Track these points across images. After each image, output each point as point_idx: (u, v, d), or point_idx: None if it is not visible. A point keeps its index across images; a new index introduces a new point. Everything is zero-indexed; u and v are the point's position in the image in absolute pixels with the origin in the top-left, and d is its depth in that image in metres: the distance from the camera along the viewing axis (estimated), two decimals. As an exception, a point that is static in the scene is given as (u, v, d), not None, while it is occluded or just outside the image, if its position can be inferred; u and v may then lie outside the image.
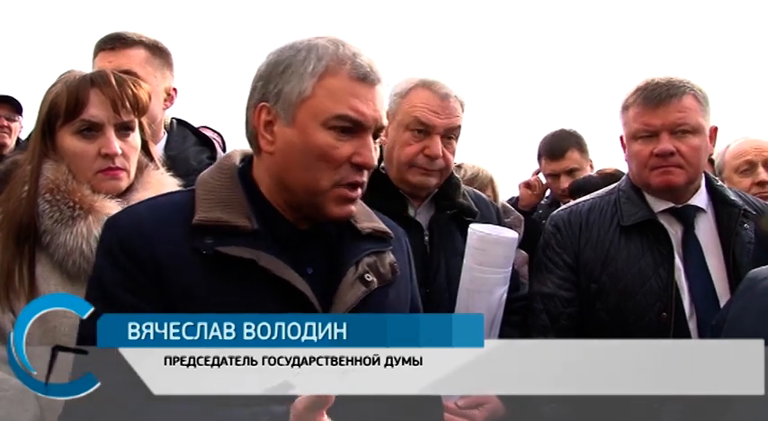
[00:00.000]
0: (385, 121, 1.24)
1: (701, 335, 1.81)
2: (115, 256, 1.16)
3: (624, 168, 3.11)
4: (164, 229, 1.17)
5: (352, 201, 1.24)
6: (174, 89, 2.18)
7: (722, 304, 1.82)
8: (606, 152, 3.63)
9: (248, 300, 1.14)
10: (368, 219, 1.34)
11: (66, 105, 1.47)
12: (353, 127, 1.19)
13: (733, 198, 1.99)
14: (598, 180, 3.13)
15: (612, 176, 3.08)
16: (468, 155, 3.00)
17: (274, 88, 1.19)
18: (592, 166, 3.54)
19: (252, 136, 1.25)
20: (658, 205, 1.97)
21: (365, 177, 1.24)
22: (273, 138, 1.21)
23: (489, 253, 1.80)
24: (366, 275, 1.25)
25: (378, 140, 1.25)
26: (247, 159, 1.31)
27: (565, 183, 3.40)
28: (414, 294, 1.47)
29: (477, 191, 2.31)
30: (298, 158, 1.19)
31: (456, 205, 1.99)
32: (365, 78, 1.19)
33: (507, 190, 3.51)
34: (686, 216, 1.96)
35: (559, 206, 3.47)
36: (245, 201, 1.22)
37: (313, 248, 1.26)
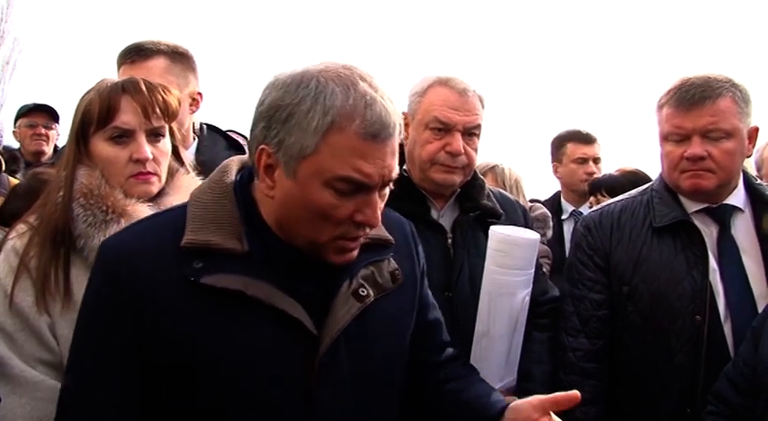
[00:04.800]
0: (395, 172, 1.14)
1: (736, 339, 1.77)
2: (105, 298, 1.15)
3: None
4: (153, 257, 1.13)
5: (352, 250, 1.18)
6: (200, 93, 2.17)
7: (759, 306, 1.78)
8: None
9: (238, 328, 1.13)
10: None
11: (98, 113, 1.50)
12: (357, 187, 1.10)
13: None
14: (619, 177, 3.15)
15: (634, 174, 3.11)
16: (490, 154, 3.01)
17: (276, 135, 1.10)
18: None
19: (255, 168, 1.17)
20: (692, 205, 1.93)
21: (367, 231, 1.18)
22: (273, 184, 1.14)
23: (510, 254, 1.78)
24: (360, 290, 1.21)
25: (386, 190, 1.17)
26: (246, 172, 1.24)
27: (593, 168, 3.55)
28: (422, 291, 1.42)
29: (504, 191, 2.29)
30: (298, 211, 1.13)
31: (480, 207, 1.96)
32: (375, 137, 1.08)
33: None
34: (722, 216, 1.91)
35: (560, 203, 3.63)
36: (239, 220, 1.16)
37: (310, 263, 1.19)
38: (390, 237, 1.30)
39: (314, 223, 1.12)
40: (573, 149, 3.64)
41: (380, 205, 1.16)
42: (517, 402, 1.27)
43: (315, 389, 1.16)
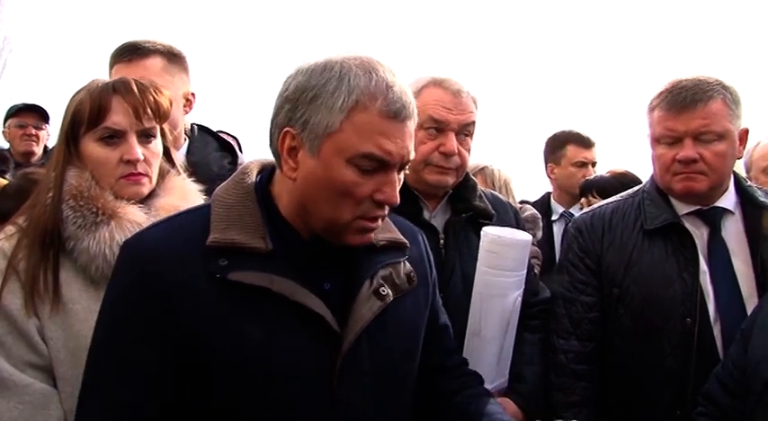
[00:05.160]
0: (412, 155, 1.21)
1: (726, 341, 1.77)
2: (127, 294, 1.16)
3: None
4: (176, 255, 1.16)
5: (371, 231, 1.23)
6: (193, 94, 2.17)
7: (749, 308, 1.79)
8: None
9: (263, 325, 1.14)
10: (384, 229, 1.31)
11: (89, 113, 1.49)
12: (378, 164, 1.16)
13: (762, 199, 1.93)
14: (610, 178, 3.18)
15: (624, 176, 3.13)
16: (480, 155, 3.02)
17: (301, 116, 1.15)
18: None
19: (275, 153, 1.23)
20: (683, 207, 1.93)
21: (386, 211, 1.23)
22: (296, 165, 1.18)
23: (502, 256, 1.77)
24: (381, 289, 1.25)
25: (402, 172, 1.23)
26: (265, 173, 1.29)
27: (589, 172, 3.54)
28: (434, 297, 1.47)
29: (495, 192, 2.29)
30: (320, 190, 1.17)
31: (472, 207, 1.95)
32: (396, 116, 1.15)
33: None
34: (712, 218, 1.92)
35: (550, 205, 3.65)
36: (261, 219, 1.20)
37: (330, 263, 1.24)
38: (405, 241, 1.35)
39: (335, 202, 1.16)
40: (574, 152, 3.61)
41: (398, 187, 1.21)
42: None
43: (337, 387, 1.18)
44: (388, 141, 1.14)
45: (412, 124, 1.20)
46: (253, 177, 1.27)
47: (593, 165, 3.61)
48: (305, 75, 1.17)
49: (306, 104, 1.15)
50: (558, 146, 3.67)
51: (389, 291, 1.26)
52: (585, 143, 3.63)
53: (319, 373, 1.17)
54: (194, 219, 1.22)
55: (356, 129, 1.13)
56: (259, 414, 1.15)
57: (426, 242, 1.49)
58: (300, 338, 1.16)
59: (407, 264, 1.34)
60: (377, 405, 1.24)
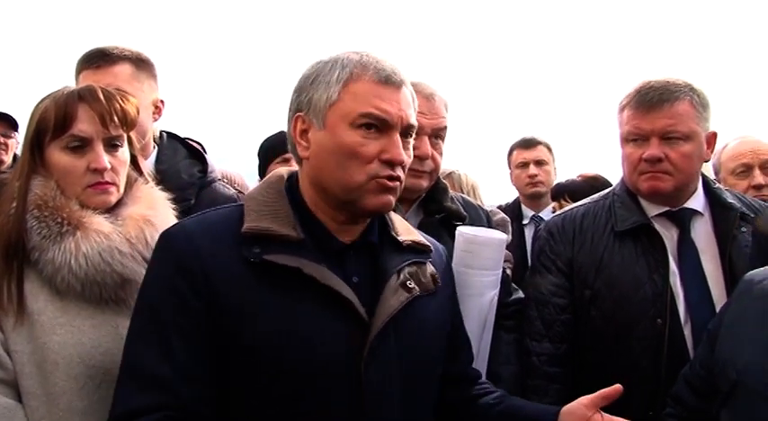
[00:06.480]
0: (413, 121, 1.31)
1: (696, 341, 1.79)
2: (169, 278, 1.22)
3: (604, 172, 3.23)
4: (214, 242, 1.24)
5: (389, 191, 1.28)
6: (162, 101, 2.15)
7: (719, 308, 1.80)
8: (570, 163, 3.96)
9: (295, 306, 1.21)
10: (408, 233, 1.42)
11: (54, 121, 1.46)
12: (379, 125, 1.26)
13: (730, 200, 1.97)
14: (581, 182, 3.23)
15: (595, 180, 3.20)
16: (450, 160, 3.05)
17: (306, 97, 1.30)
18: (555, 174, 3.86)
19: (293, 147, 1.34)
20: (653, 209, 1.96)
21: (398, 172, 1.29)
22: (308, 144, 1.30)
23: (477, 255, 1.77)
24: (408, 283, 1.32)
25: (410, 140, 1.32)
26: (293, 178, 1.39)
27: (533, 170, 3.71)
28: (457, 311, 1.55)
29: (466, 196, 2.29)
30: (330, 158, 1.26)
31: (444, 209, 1.96)
32: (387, 80, 1.27)
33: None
34: (681, 219, 1.94)
35: (521, 209, 3.77)
36: (291, 213, 1.29)
37: (357, 259, 1.32)
38: (428, 244, 1.44)
39: (345, 165, 1.25)
40: (516, 156, 3.84)
41: (408, 154, 1.30)
42: (568, 405, 1.38)
43: (364, 370, 1.22)
44: (383, 102, 1.25)
45: (406, 91, 1.30)
46: (283, 180, 1.37)
47: (539, 163, 3.75)
48: (306, 69, 1.33)
49: (308, 87, 1.30)
50: (509, 153, 3.91)
51: (416, 286, 1.33)
52: (525, 144, 3.82)
53: (349, 355, 1.22)
54: (228, 213, 1.32)
55: (353, 96, 1.25)
56: (291, 391, 1.19)
57: (449, 259, 1.57)
58: (329, 321, 1.22)
59: (431, 266, 1.42)
60: (402, 395, 1.28)
